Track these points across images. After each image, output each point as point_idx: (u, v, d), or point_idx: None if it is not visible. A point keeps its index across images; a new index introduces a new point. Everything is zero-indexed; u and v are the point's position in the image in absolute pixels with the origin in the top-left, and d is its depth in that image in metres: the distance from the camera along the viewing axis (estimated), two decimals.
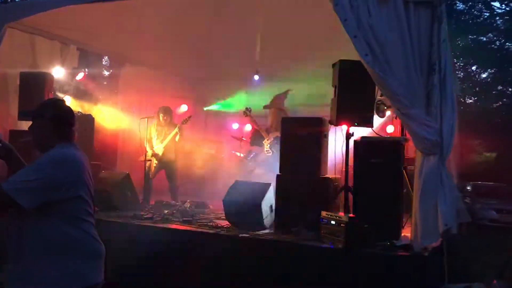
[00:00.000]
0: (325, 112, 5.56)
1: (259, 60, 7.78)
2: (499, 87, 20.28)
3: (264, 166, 7.37)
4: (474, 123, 16.96)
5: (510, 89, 20.12)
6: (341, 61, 4.93)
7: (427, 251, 4.07)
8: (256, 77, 8.63)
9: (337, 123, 5.02)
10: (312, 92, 9.01)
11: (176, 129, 7.43)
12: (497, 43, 20.25)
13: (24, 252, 2.21)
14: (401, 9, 4.14)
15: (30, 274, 2.20)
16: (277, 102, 8.06)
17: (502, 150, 20.42)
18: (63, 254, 2.24)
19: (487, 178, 16.48)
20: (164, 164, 7.62)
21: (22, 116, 5.99)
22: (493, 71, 20.46)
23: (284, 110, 7.83)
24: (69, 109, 2.53)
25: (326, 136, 5.35)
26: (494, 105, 20.48)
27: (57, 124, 2.41)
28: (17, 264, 2.23)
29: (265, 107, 8.18)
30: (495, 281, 4.55)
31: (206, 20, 6.80)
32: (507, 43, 19.99)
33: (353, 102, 4.89)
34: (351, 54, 4.36)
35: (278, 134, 6.52)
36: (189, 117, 7.70)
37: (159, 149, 7.51)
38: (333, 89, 5.09)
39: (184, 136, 7.66)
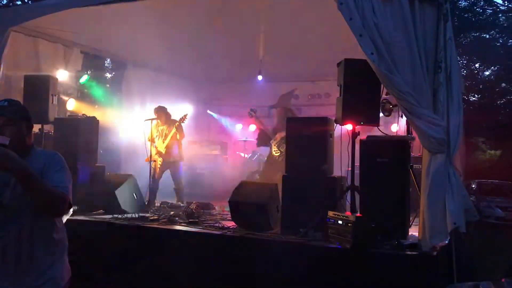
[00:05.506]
0: (331, 111, 5.54)
1: (262, 60, 7.74)
2: (503, 85, 20.21)
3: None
4: (478, 120, 16.92)
5: None
6: (346, 60, 4.90)
7: (435, 250, 4.04)
8: (260, 78, 8.61)
9: (342, 122, 5.00)
10: (317, 91, 9.00)
11: (174, 129, 7.45)
12: (500, 40, 20.18)
13: (36, 251, 2.33)
14: (407, 7, 4.11)
15: (42, 272, 2.34)
16: (283, 102, 8.02)
17: (506, 148, 20.34)
18: (61, 248, 2.46)
19: (492, 176, 16.43)
20: (168, 164, 7.63)
21: None
22: (496, 68, 20.39)
23: (290, 109, 7.78)
24: None
25: (332, 136, 5.33)
26: (498, 102, 20.42)
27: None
28: (30, 264, 2.32)
29: (271, 107, 8.15)
30: (503, 280, 4.51)
31: (209, 21, 6.77)
32: (510, 40, 19.91)
33: (359, 101, 4.87)
34: (356, 52, 4.33)
35: (285, 133, 6.49)
36: (185, 115, 7.68)
37: (161, 148, 7.53)
38: (338, 88, 5.07)
39: (182, 134, 7.66)
